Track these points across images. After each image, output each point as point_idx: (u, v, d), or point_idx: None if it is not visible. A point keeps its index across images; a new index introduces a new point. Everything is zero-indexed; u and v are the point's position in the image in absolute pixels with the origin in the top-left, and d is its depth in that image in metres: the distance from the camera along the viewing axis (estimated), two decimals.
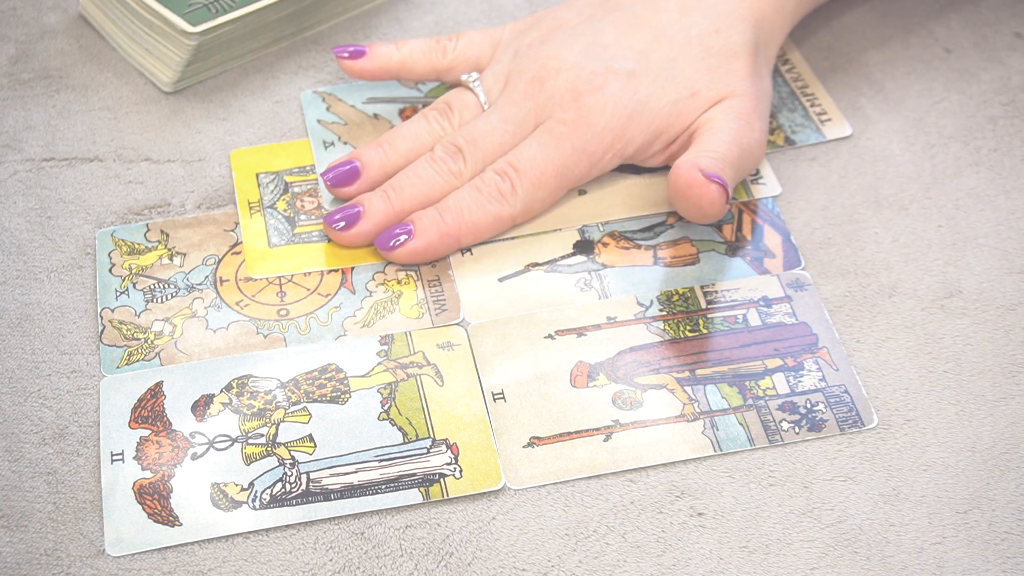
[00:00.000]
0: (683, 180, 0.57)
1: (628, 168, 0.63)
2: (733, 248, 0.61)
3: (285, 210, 0.62)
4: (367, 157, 0.62)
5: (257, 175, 0.64)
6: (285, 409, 0.55)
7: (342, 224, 0.59)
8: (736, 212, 0.62)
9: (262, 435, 0.54)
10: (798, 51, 0.70)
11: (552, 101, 0.60)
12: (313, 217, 0.62)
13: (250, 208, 0.62)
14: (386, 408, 0.55)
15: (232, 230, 0.62)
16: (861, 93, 0.68)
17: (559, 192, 0.61)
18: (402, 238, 0.59)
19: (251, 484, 0.52)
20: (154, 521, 0.51)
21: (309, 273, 0.60)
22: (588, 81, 0.60)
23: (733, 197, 0.62)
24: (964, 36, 0.70)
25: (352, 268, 0.60)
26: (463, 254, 0.60)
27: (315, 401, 0.55)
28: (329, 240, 0.61)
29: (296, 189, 0.63)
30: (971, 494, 0.52)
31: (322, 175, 0.62)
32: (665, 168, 0.63)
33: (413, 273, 0.60)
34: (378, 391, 0.55)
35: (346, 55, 0.65)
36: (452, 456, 0.53)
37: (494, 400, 0.55)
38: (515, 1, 0.73)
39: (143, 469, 0.53)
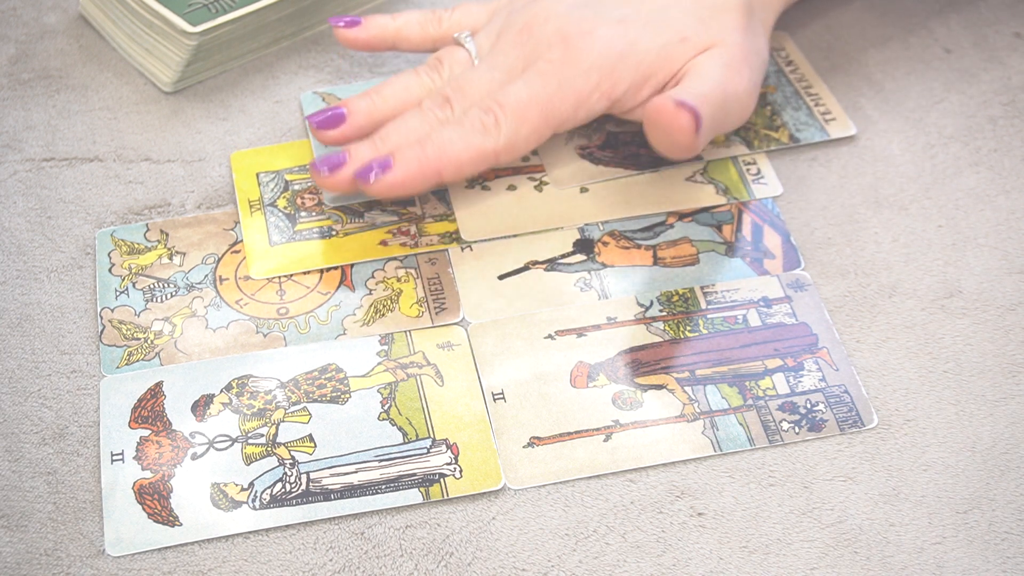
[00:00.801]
0: (653, 107, 0.57)
1: (629, 166, 0.63)
2: (733, 248, 0.61)
3: (286, 207, 0.62)
4: (354, 104, 0.62)
5: (257, 174, 0.64)
6: (285, 409, 0.55)
7: (327, 169, 0.59)
8: (736, 212, 0.62)
9: (262, 435, 0.54)
10: (799, 51, 0.70)
11: (541, 46, 0.60)
12: (314, 214, 0.62)
13: (250, 206, 0.62)
14: (386, 408, 0.55)
15: (232, 229, 0.62)
16: (861, 93, 0.68)
17: (544, 130, 0.60)
18: (381, 170, 0.58)
19: (251, 484, 0.52)
20: (154, 521, 0.51)
21: (308, 271, 0.60)
22: (577, 24, 0.60)
23: (734, 196, 0.62)
24: (964, 36, 0.70)
25: (352, 265, 0.60)
26: (463, 251, 0.60)
27: (315, 401, 0.55)
28: (331, 237, 0.61)
29: (297, 187, 0.63)
30: (971, 494, 0.52)
31: (309, 118, 0.61)
32: (665, 169, 0.63)
33: (413, 271, 0.60)
34: (378, 391, 0.55)
35: (342, 24, 0.65)
36: (452, 456, 0.53)
37: (494, 400, 0.55)
38: None
39: (143, 469, 0.53)
